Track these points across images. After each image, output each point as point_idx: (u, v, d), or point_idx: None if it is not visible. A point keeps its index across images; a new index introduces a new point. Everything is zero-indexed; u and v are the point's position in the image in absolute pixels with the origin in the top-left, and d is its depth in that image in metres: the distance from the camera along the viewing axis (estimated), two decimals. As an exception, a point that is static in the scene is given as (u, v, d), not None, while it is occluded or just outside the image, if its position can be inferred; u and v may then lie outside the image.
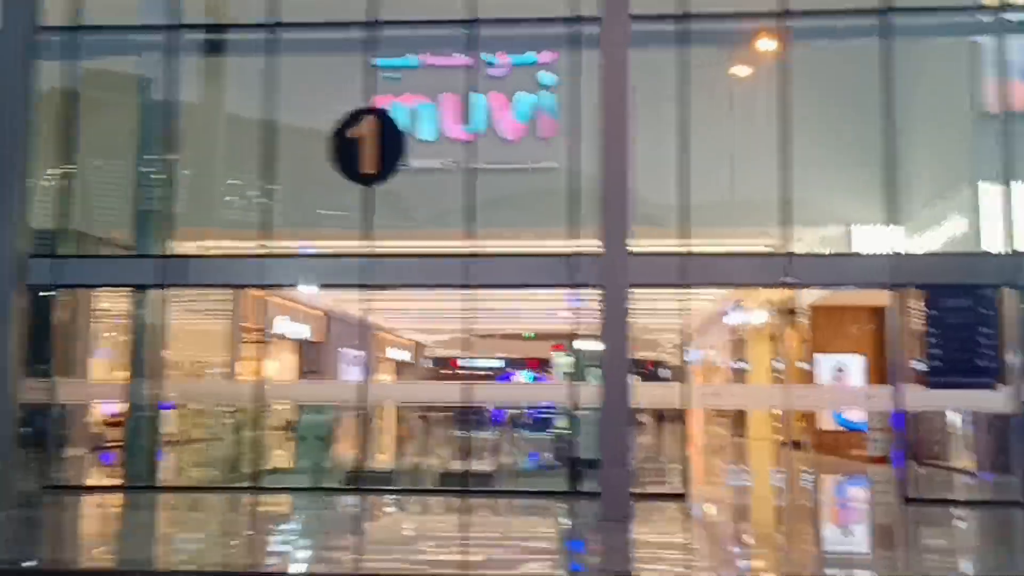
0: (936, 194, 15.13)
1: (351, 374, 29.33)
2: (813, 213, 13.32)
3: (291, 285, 14.73)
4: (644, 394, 12.81)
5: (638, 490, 12.76)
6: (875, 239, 13.37)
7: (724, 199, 13.40)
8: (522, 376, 36.88)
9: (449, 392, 13.18)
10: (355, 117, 12.65)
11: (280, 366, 27.83)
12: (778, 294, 24.25)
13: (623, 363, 10.25)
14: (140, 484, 12.89)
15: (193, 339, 25.34)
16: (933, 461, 17.63)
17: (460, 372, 45.09)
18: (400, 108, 13.53)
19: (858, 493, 14.18)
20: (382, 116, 12.70)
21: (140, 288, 13.32)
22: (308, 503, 12.58)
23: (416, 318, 28.81)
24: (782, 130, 12.73)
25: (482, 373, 42.28)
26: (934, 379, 12.31)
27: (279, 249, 13.43)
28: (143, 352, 13.18)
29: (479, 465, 15.36)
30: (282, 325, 25.37)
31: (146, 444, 13.15)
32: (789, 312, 23.80)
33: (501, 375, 39.11)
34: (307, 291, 24.39)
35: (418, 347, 34.70)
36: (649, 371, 43.37)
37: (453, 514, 11.84)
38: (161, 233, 13.40)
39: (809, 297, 21.34)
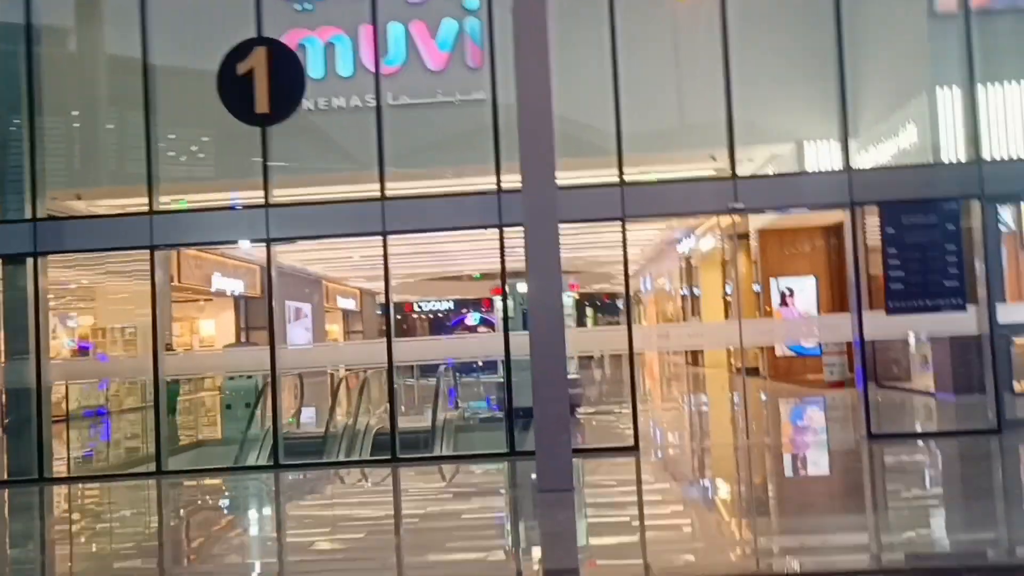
0: (891, 105, 13.85)
1: (297, 329, 27.85)
2: (761, 131, 11.97)
3: (187, 244, 13.10)
4: (586, 340, 11.57)
5: (584, 446, 11.56)
6: (828, 155, 12.09)
7: (669, 124, 11.99)
8: (472, 318, 35.64)
9: (376, 352, 11.72)
10: (243, 49, 10.95)
11: (218, 325, 26.27)
12: (728, 219, 23.13)
13: (555, 307, 8.88)
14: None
15: (121, 303, 23.72)
16: (892, 383, 16.68)
17: (415, 316, 43.77)
18: (315, 42, 11.90)
19: (819, 434, 13.05)
20: (275, 47, 11.00)
21: (12, 258, 11.70)
22: (203, 488, 11.19)
23: (360, 266, 27.22)
24: (724, 45, 11.30)
25: (439, 316, 41.02)
26: (896, 303, 11.12)
27: (172, 205, 11.85)
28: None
29: (414, 423, 14.08)
30: (217, 281, 23.78)
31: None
32: (739, 236, 22.64)
33: (455, 318, 37.73)
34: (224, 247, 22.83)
35: (363, 295, 33.19)
36: (605, 304, 42.35)
37: (357, 493, 10.55)
38: (36, 193, 11.70)
39: (759, 220, 20.17)
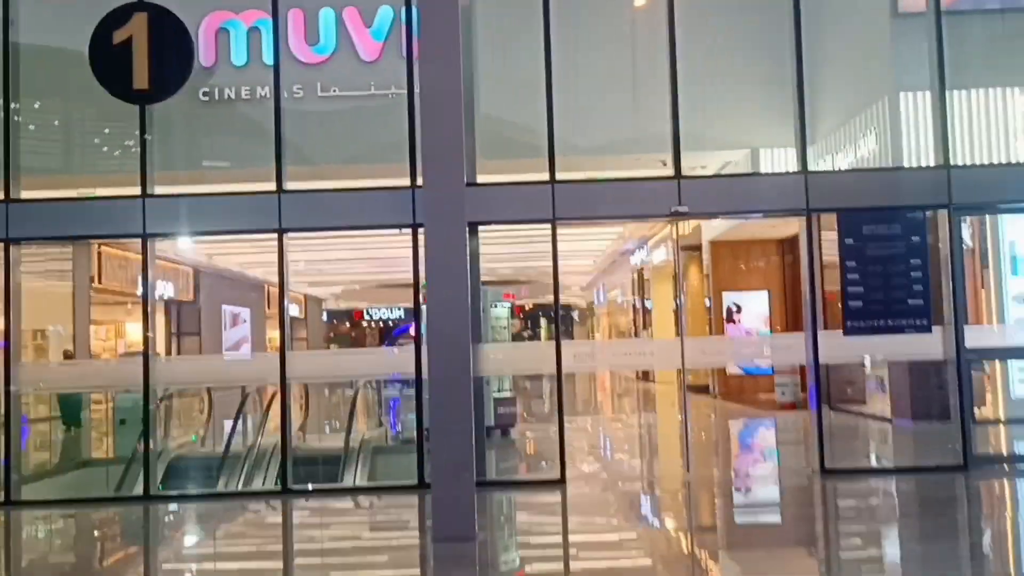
0: (852, 110, 12.52)
1: (234, 334, 26.02)
2: (712, 137, 10.55)
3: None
4: (504, 358, 10.02)
5: (503, 478, 10.01)
6: (785, 163, 10.71)
7: (610, 125, 10.51)
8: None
9: (266, 369, 10.08)
10: (120, 15, 9.34)
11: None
12: (679, 228, 21.76)
13: (458, 319, 7.35)
14: None
15: (36, 304, 21.81)
16: (846, 406, 15.33)
17: (365, 324, 41.83)
18: (238, 26, 10.29)
19: (767, 466, 11.58)
20: (157, 12, 9.41)
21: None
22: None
23: (303, 271, 25.44)
24: (671, 42, 9.86)
25: (390, 324, 39.23)
26: (854, 322, 9.69)
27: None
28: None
29: (324, 443, 12.48)
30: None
31: None
32: (691, 248, 21.27)
33: (401, 326, 35.93)
34: (168, 244, 21.15)
35: (307, 301, 31.39)
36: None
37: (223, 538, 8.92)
38: None
39: (712, 231, 18.79)
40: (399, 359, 10.00)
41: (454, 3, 7.72)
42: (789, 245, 18.81)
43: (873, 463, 11.12)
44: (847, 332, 9.69)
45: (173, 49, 9.43)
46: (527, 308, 37.95)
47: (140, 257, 21.52)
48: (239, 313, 27.22)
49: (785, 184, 9.83)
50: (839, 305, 10.10)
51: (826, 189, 9.77)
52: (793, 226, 17.15)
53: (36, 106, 10.61)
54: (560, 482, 9.42)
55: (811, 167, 9.91)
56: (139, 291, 21.44)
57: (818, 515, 8.58)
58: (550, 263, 28.38)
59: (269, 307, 29.33)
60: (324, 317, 35.08)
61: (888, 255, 9.74)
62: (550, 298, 40.24)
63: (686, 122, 9.79)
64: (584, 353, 9.82)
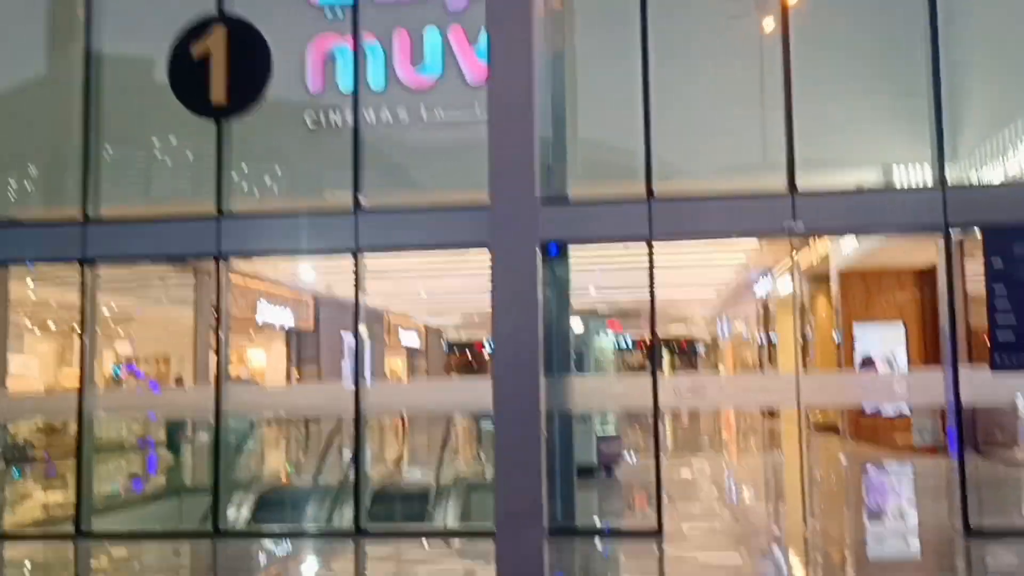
0: (997, 123, 10.94)
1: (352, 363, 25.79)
2: (835, 157, 9.22)
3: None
4: (592, 392, 8.92)
5: (592, 525, 8.87)
6: (920, 180, 9.28)
7: (721, 145, 9.39)
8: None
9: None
10: (199, 30, 8.88)
11: (269, 358, 24.40)
12: (807, 258, 20.12)
13: (528, 350, 6.36)
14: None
15: (162, 332, 22.10)
16: (995, 449, 13.43)
17: (486, 356, 41.26)
18: (344, 51, 9.73)
19: (901, 521, 9.99)
20: (237, 26, 8.91)
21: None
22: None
23: (423, 299, 24.94)
24: (785, 56, 8.70)
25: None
26: (1004, 356, 8.16)
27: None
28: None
29: (418, 479, 11.64)
30: (264, 311, 21.95)
31: None
32: (818, 279, 19.59)
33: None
34: (286, 271, 21.03)
35: (428, 331, 30.95)
36: (683, 350, 39.12)
37: None
38: None
39: (842, 261, 17.16)
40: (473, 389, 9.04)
41: (526, 13, 6.83)
42: (928, 277, 16.97)
43: None
44: (995, 367, 8.17)
45: (251, 62, 8.89)
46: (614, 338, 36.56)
47: (260, 284, 21.57)
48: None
49: (918, 199, 8.44)
50: (985, 338, 8.61)
51: (968, 203, 8.32)
52: (931, 253, 15.42)
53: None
54: (657, 533, 8.23)
55: (951, 182, 8.47)
56: (258, 318, 21.51)
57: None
58: (667, 291, 26.93)
59: (389, 336, 29.06)
60: (444, 347, 34.59)
61: (1045, 279, 8.19)
62: (672, 330, 38.44)
63: (803, 140, 8.56)
64: (686, 387, 8.59)
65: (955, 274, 8.50)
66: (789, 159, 8.50)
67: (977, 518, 8.07)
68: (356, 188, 8.96)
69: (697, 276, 22.85)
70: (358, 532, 8.64)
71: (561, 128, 8.99)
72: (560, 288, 8.92)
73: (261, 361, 24.42)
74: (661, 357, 39.27)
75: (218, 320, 9.01)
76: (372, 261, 13.61)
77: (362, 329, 8.85)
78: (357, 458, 8.71)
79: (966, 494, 8.06)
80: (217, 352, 9.18)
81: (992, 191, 8.69)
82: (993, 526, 8.27)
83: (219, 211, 9.10)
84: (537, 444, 6.22)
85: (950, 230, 8.39)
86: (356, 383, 8.74)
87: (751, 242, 18.61)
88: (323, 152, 9.75)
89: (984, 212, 8.30)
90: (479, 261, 9.39)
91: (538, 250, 6.47)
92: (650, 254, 8.63)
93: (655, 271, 20.72)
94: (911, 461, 14.12)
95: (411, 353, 32.07)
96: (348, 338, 26.49)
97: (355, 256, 8.92)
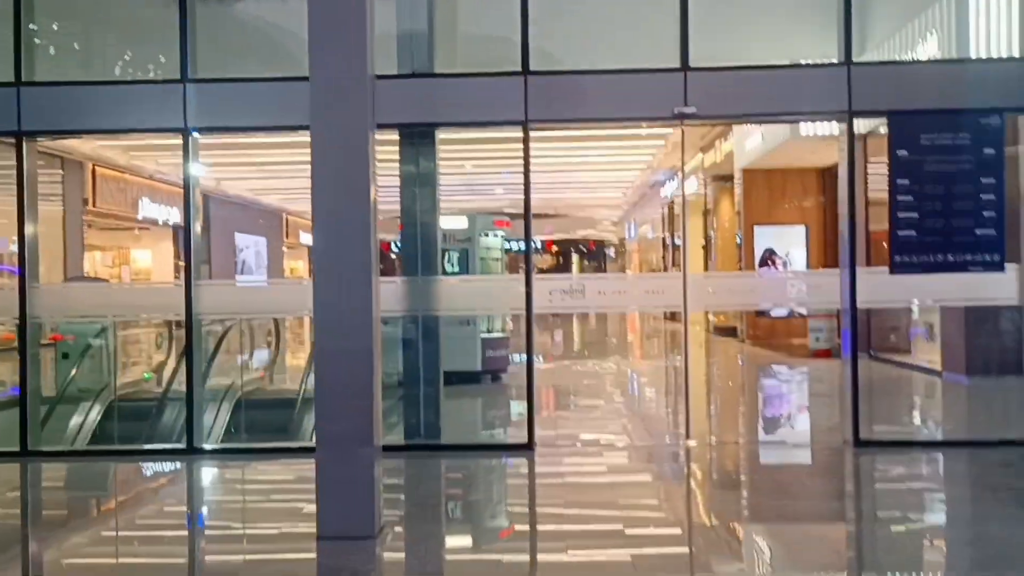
0: (909, 13, 9.96)
1: (250, 267, 24.19)
2: (733, 50, 8.06)
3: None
4: (454, 295, 7.77)
5: (457, 441, 7.86)
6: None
7: (605, 31, 8.13)
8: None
9: (168, 301, 7.96)
10: None
11: (156, 259, 22.69)
12: (711, 158, 19.24)
13: (357, 245, 5.17)
14: None
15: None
16: (888, 355, 12.95)
17: (392, 257, 39.92)
18: None
19: (787, 432, 9.26)
20: None
21: None
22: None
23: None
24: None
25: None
26: (905, 257, 7.31)
27: None
28: None
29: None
30: (147, 208, 20.17)
31: None
32: (723, 179, 18.77)
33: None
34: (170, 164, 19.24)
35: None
36: (591, 252, 38.44)
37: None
38: None
39: (745, 158, 16.29)
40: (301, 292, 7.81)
41: None
42: (831, 176, 16.24)
43: (921, 432, 8.73)
44: (894, 269, 7.32)
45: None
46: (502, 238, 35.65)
47: (139, 180, 19.69)
48: (252, 243, 25.26)
49: (821, 79, 7.37)
50: (889, 239, 7.76)
51: (875, 85, 7.29)
52: (835, 150, 14.62)
53: None
54: (527, 448, 7.29)
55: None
56: (140, 214, 19.69)
57: (839, 508, 6.33)
58: (579, 194, 25.76)
59: (288, 237, 27.46)
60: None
61: (953, 171, 7.29)
62: (582, 233, 37.45)
63: (700, 31, 7.37)
64: (563, 290, 7.55)
65: (856, 172, 7.54)
66: (683, 32, 7.32)
67: (867, 430, 7.33)
68: (184, 60, 7.46)
69: (605, 178, 21.87)
70: (191, 450, 7.48)
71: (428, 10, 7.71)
72: (425, 180, 7.72)
73: (147, 261, 22.71)
74: (571, 262, 38.60)
75: (21, 208, 7.51)
76: (253, 150, 11.99)
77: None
78: (190, 366, 7.48)
79: (857, 405, 7.28)
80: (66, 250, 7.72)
81: (902, 70, 7.68)
82: (883, 438, 7.56)
83: (18, 79, 7.51)
84: (368, 355, 5.09)
85: (855, 118, 7.39)
86: (187, 282, 7.43)
87: (657, 142, 17.64)
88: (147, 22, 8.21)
89: (892, 96, 7.29)
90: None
91: (370, 133, 5.20)
92: (525, 139, 7.43)
93: (561, 171, 19.55)
94: (806, 365, 13.57)
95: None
96: (240, 238, 24.61)
97: (185, 136, 7.48)
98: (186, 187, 7.52)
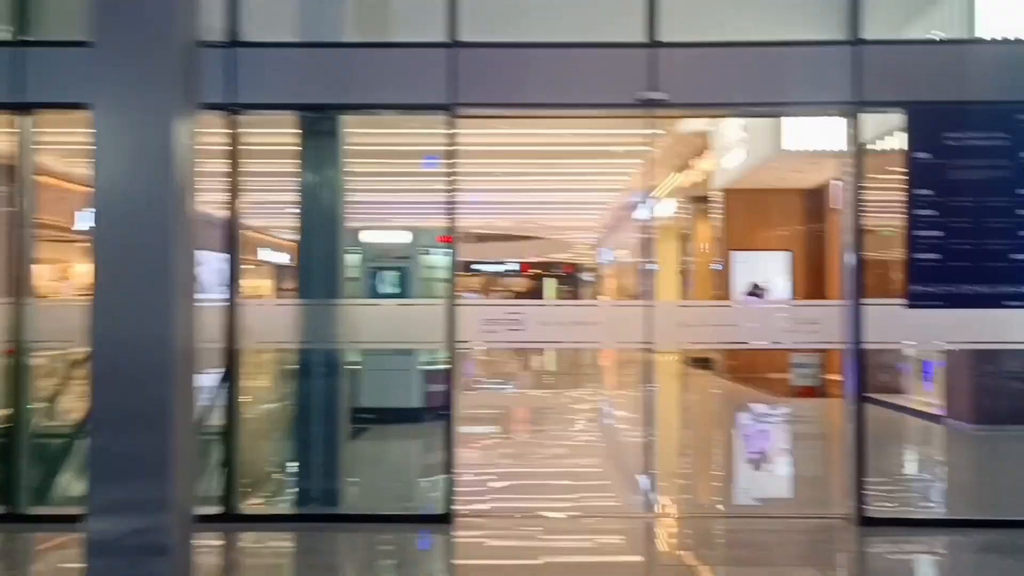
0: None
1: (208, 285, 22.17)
2: (720, 20, 6.37)
3: None
4: (385, 323, 5.96)
5: (358, 511, 6.03)
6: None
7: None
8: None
9: None
10: None
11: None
12: (688, 178, 17.61)
13: (158, 258, 3.40)
14: None
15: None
16: (878, 396, 11.21)
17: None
18: None
19: (773, 508, 7.43)
20: None
21: None
22: None
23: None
24: None
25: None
26: (925, 287, 5.61)
27: None
28: None
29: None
30: (87, 219, 18.24)
31: None
32: (700, 200, 17.11)
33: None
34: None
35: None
36: (568, 276, 36.67)
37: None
38: None
39: (725, 177, 14.63)
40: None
41: None
42: (816, 198, 14.62)
43: (942, 506, 6.80)
44: (914, 301, 5.61)
45: None
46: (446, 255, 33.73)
47: (81, 188, 17.92)
48: (212, 259, 23.09)
49: (823, 60, 5.67)
50: (886, 270, 6.09)
51: (890, 69, 5.60)
52: (822, 170, 13.01)
53: None
54: (444, 520, 5.49)
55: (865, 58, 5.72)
56: (77, 226, 17.87)
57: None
58: (557, 215, 23.87)
59: (248, 254, 25.58)
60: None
61: (987, 178, 5.61)
62: (560, 256, 35.27)
63: None
64: (497, 320, 5.79)
65: (862, 175, 5.83)
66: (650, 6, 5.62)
67: (872, 506, 5.58)
68: None
69: (581, 199, 20.22)
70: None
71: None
72: (327, 181, 5.97)
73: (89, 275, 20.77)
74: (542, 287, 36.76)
75: None
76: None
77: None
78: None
79: (862, 469, 5.52)
80: None
81: (926, 52, 5.93)
82: (896, 514, 5.81)
83: None
84: (164, 409, 3.33)
85: (862, 111, 5.70)
86: None
87: (633, 160, 15.96)
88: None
89: (911, 84, 5.61)
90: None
91: (182, 116, 3.47)
92: (451, 129, 5.68)
93: (541, 193, 17.61)
94: (789, 405, 11.85)
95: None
96: (202, 255, 22.62)
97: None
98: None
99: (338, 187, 5.95)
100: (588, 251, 31.50)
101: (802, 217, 14.97)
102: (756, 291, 14.43)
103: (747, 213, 14.99)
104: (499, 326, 5.84)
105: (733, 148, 13.58)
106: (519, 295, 34.16)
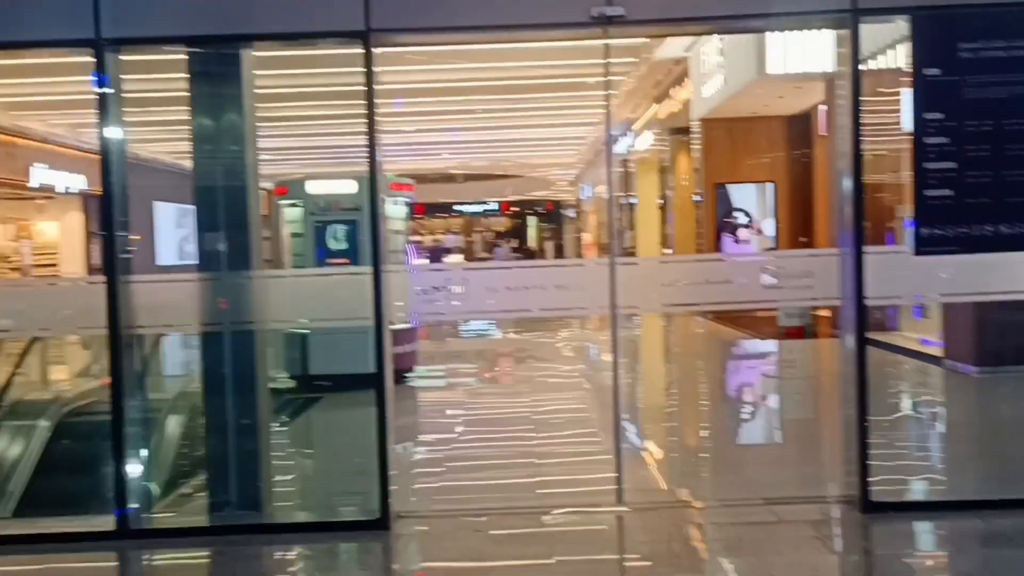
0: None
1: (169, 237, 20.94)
2: None
3: None
4: (295, 300, 4.94)
5: (288, 520, 5.12)
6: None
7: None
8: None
9: None
10: None
11: (64, 231, 19.63)
12: (666, 108, 16.48)
13: None
14: None
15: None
16: (875, 335, 10.33)
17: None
18: None
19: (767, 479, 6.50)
20: None
21: None
22: None
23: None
24: None
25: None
26: (937, 229, 4.63)
27: None
28: None
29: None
30: (41, 175, 17.11)
31: None
32: (679, 132, 16.01)
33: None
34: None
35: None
36: (549, 212, 35.55)
37: None
38: None
39: (703, 105, 13.53)
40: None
41: None
42: (800, 124, 13.55)
43: (958, 483, 5.65)
44: (921, 248, 4.64)
45: None
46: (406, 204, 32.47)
47: (31, 143, 16.70)
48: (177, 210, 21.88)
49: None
50: (882, 208, 5.11)
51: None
52: (808, 94, 11.92)
53: None
54: (380, 527, 4.57)
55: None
56: (33, 181, 16.69)
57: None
58: (535, 152, 22.71)
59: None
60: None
61: (1010, 97, 4.60)
62: (541, 194, 34.26)
63: None
64: (436, 287, 4.79)
65: (859, 95, 4.78)
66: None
67: (876, 488, 4.69)
68: None
69: (557, 134, 19.12)
70: None
71: None
72: (229, 125, 4.92)
73: (53, 234, 19.64)
74: (527, 228, 35.62)
75: None
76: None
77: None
78: None
79: (866, 453, 4.62)
80: None
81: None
82: (905, 497, 4.95)
83: None
84: None
85: (862, 20, 4.63)
86: None
87: (607, 93, 14.85)
88: None
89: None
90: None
91: None
92: (367, 60, 4.60)
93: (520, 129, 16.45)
94: (777, 346, 11.03)
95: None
96: (161, 207, 21.01)
97: None
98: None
99: (244, 135, 4.89)
100: (569, 188, 30.41)
101: (786, 146, 13.93)
102: (735, 223, 13.49)
103: (728, 143, 13.94)
104: (439, 294, 4.85)
105: (712, 75, 12.46)
106: (500, 235, 33.11)
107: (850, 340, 4.70)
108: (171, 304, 4.72)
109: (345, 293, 4.86)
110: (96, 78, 4.56)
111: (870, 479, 4.58)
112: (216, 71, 4.86)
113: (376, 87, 4.57)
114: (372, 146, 4.62)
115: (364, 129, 4.63)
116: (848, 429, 4.68)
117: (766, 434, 7.33)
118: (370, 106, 4.58)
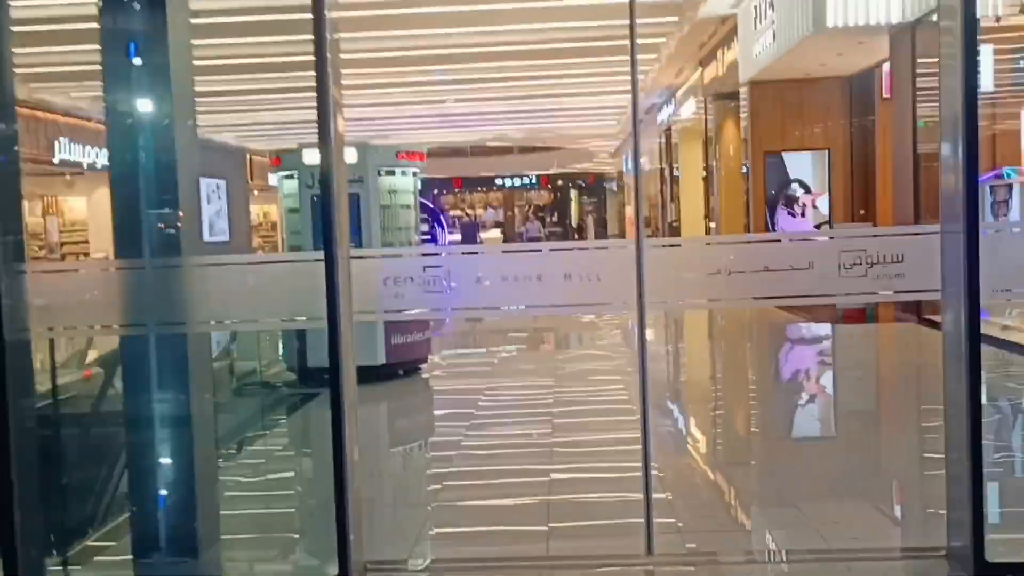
0: None
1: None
2: None
3: None
4: (237, 293, 3.81)
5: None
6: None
7: None
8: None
9: None
10: None
11: (92, 207, 18.89)
12: (712, 72, 15.01)
13: None
14: None
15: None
16: (934, 317, 8.90)
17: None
18: None
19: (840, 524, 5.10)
20: None
21: None
22: None
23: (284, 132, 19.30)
24: None
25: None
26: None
27: None
28: None
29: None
30: (67, 150, 16.37)
31: None
32: (726, 97, 14.54)
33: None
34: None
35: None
36: (591, 186, 34.06)
37: None
38: None
39: (752, 67, 12.08)
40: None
41: None
42: (861, 84, 12.03)
43: None
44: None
45: None
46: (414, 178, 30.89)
47: (56, 117, 15.90)
48: (217, 185, 21.01)
49: None
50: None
51: None
52: (871, 51, 10.45)
53: None
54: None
55: None
56: (57, 156, 15.96)
57: None
58: (574, 123, 21.41)
59: (253, 179, 23.55)
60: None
61: None
62: (583, 166, 32.86)
63: None
64: (409, 278, 3.63)
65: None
66: None
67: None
68: None
69: (597, 103, 17.87)
70: None
71: None
72: (155, 77, 3.78)
73: (81, 211, 18.90)
74: (569, 201, 34.18)
75: None
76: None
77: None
78: None
79: (983, 510, 3.35)
80: None
81: None
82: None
83: None
84: None
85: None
86: None
87: (648, 55, 13.44)
88: None
89: None
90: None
91: None
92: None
93: (544, 97, 15.28)
94: (838, 332, 9.68)
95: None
96: (204, 183, 20.23)
97: None
98: None
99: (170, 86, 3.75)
100: (611, 160, 28.97)
101: (843, 111, 12.43)
102: (799, 200, 12.08)
103: (779, 108, 12.49)
104: (412, 286, 3.67)
105: (762, 32, 11.01)
106: (540, 209, 31.81)
107: (958, 352, 3.41)
108: (72, 301, 3.61)
109: (295, 284, 3.69)
110: None
111: (986, 534, 3.31)
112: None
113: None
114: (323, 104, 3.42)
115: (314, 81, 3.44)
116: (956, 475, 3.40)
117: (840, 462, 5.74)
118: (321, 62, 3.38)
